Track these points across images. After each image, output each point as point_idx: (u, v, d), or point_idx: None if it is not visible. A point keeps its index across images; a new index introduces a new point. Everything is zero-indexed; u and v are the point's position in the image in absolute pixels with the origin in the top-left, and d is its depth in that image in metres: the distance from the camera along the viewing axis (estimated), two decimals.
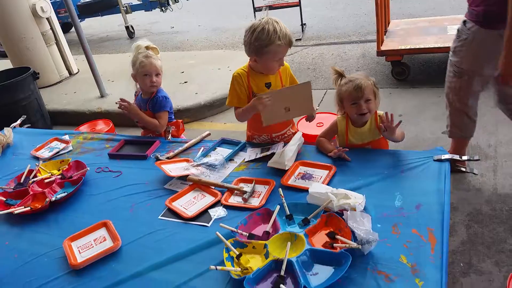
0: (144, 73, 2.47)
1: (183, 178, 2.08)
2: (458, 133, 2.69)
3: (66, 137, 2.73)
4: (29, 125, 3.25)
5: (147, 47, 2.51)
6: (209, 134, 2.51)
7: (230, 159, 2.20)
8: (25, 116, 3.24)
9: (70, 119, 4.77)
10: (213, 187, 1.97)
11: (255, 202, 1.83)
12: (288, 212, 1.66)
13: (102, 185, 2.17)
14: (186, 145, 2.39)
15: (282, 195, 1.70)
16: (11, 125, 3.03)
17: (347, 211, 1.55)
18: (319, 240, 1.53)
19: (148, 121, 2.51)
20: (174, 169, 2.14)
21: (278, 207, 1.66)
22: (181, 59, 5.89)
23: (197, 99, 4.51)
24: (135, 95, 2.71)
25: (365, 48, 5.57)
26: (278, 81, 2.18)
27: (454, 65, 2.49)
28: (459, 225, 2.42)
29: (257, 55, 2.04)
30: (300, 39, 6.28)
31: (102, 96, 4.94)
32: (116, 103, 2.54)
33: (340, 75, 2.07)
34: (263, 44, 1.98)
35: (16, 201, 2.11)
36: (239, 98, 2.18)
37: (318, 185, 1.72)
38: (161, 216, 1.86)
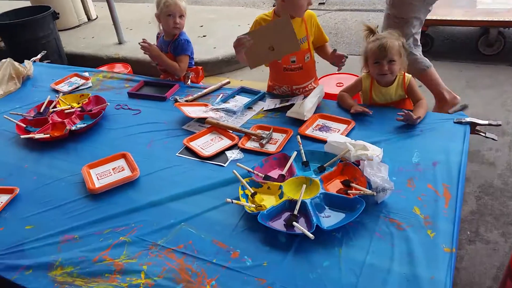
0: (168, 13, 2.44)
1: (201, 121, 2.09)
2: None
3: (86, 74, 2.74)
4: (49, 60, 3.26)
5: None
6: (228, 82, 2.50)
7: (248, 107, 2.20)
8: (45, 51, 3.24)
9: (87, 62, 4.75)
10: (230, 131, 1.98)
11: (271, 148, 1.84)
12: (304, 159, 1.67)
13: (121, 121, 2.20)
14: (205, 90, 2.39)
15: (300, 142, 1.71)
16: (31, 59, 3.04)
17: (364, 161, 1.56)
18: (334, 187, 1.56)
19: (168, 63, 2.51)
20: (193, 111, 2.15)
21: (295, 153, 1.67)
22: (200, 13, 5.79)
23: (215, 53, 4.47)
24: (157, 37, 2.69)
25: None
26: (302, 29, 2.14)
27: (394, 16, 2.53)
28: (469, 195, 2.44)
29: None
30: (323, 3, 6.13)
31: (120, 43, 4.91)
32: (139, 43, 2.53)
33: (371, 31, 2.03)
34: None
35: (36, 129, 2.15)
36: None
37: (337, 135, 1.73)
38: (178, 153, 1.89)
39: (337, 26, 5.34)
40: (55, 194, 1.71)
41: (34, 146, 2.04)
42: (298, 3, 2.00)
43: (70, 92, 2.54)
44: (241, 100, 2.29)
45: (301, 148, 1.69)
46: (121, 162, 1.83)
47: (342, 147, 1.64)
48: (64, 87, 2.62)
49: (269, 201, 1.52)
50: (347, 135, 1.84)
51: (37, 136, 1.98)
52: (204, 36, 4.94)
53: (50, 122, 2.15)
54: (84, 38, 5.27)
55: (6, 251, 1.44)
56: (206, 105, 2.23)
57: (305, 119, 1.96)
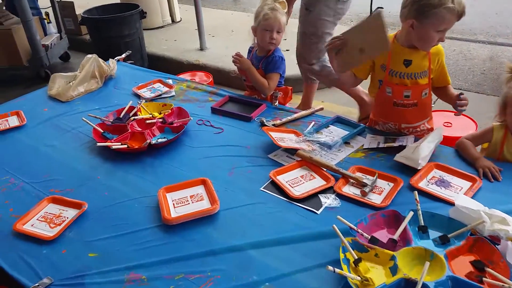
0: (266, 27, 2.24)
1: (289, 151, 1.85)
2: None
3: (170, 81, 2.61)
4: (132, 61, 3.19)
5: (276, 1, 2.26)
6: (322, 109, 2.24)
7: (345, 142, 1.92)
8: (130, 51, 3.18)
9: (167, 65, 4.73)
10: (324, 169, 1.71)
11: (376, 199, 1.55)
12: (422, 223, 1.36)
13: (202, 139, 2.01)
14: (295, 115, 2.14)
15: (418, 200, 1.41)
16: (116, 58, 2.97)
17: (504, 240, 1.23)
18: (462, 267, 1.23)
19: (258, 80, 2.30)
20: (282, 139, 1.91)
21: (411, 213, 1.37)
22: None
23: (298, 69, 4.24)
24: (249, 50, 2.50)
25: (493, 51, 4.91)
26: (425, 63, 1.83)
27: (311, 34, 2.81)
28: None
29: (417, 18, 1.68)
30: None
31: (201, 49, 4.83)
32: (233, 56, 2.35)
33: None
34: (431, 4, 1.63)
35: (113, 136, 2.02)
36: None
37: (467, 199, 1.40)
38: (263, 188, 1.65)
39: None
40: (126, 217, 1.53)
41: (109, 155, 1.90)
42: (429, 35, 1.70)
43: (152, 99, 2.41)
44: (336, 131, 2.01)
45: (419, 208, 1.39)
46: (200, 190, 1.63)
47: (473, 216, 1.31)
48: (146, 92, 2.50)
49: (377, 274, 1.23)
50: (472, 197, 1.50)
51: (114, 146, 1.84)
52: (287, 50, 4.72)
53: (129, 131, 2.01)
54: (167, 40, 5.28)
55: (65, 281, 1.28)
56: (296, 133, 1.99)
57: (419, 168, 1.65)
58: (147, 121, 2.04)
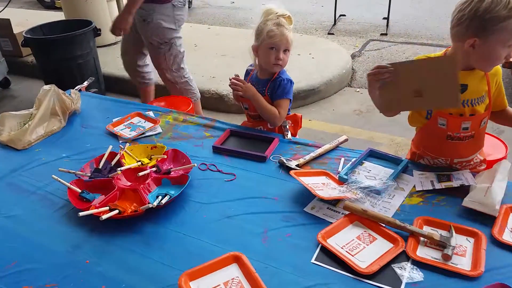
0: (271, 45, 1.88)
1: (329, 201, 1.49)
2: None
3: (151, 114, 2.16)
4: (96, 89, 2.70)
5: (280, 15, 1.90)
6: (347, 140, 1.91)
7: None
8: (93, 78, 2.69)
9: (128, 88, 4.22)
10: (383, 225, 1.37)
11: (462, 263, 1.23)
12: None
13: (212, 190, 1.60)
14: (319, 150, 1.79)
15: None
16: (76, 87, 2.48)
17: None
18: None
19: (266, 108, 1.92)
20: (316, 185, 1.54)
21: None
22: (249, 38, 5.25)
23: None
24: (247, 72, 2.12)
25: None
26: (483, 86, 1.55)
27: (158, 43, 2.95)
28: None
29: (480, 35, 1.38)
30: (386, 34, 5.60)
31: None
32: (230, 79, 1.96)
33: None
34: (497, 18, 1.34)
35: (95, 195, 1.56)
36: None
37: None
38: (314, 259, 1.28)
39: None
40: None
41: (96, 225, 1.44)
42: (496, 53, 1.41)
43: (134, 139, 1.96)
44: (375, 169, 1.69)
45: None
46: (236, 272, 1.23)
47: None
48: (125, 131, 2.03)
49: None
50: None
51: (105, 216, 1.38)
52: None
53: (116, 188, 1.55)
54: None
55: None
56: (328, 175, 1.64)
57: (496, 214, 1.35)
58: (139, 174, 1.59)
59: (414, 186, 1.57)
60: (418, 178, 1.60)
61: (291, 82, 1.97)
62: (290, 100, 1.98)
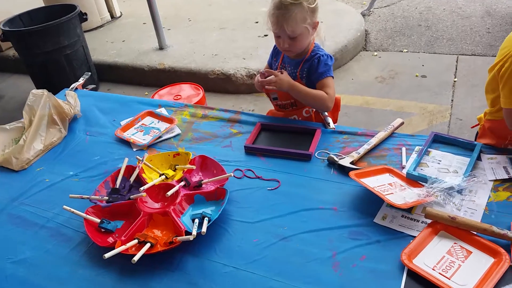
0: (274, 32, 1.61)
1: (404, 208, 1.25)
2: None
3: (163, 112, 1.90)
4: (93, 86, 2.42)
5: None
6: (402, 123, 1.65)
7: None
8: (89, 73, 2.39)
9: (122, 75, 3.93)
10: (476, 234, 1.13)
11: None
12: None
13: (256, 205, 1.37)
14: (373, 140, 1.54)
15: None
16: (72, 86, 2.20)
17: None
18: None
19: (311, 95, 1.65)
20: (383, 187, 1.30)
21: None
22: (245, 7, 4.90)
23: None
24: (276, 51, 1.83)
25: (486, 4, 4.54)
26: None
27: None
28: None
29: None
30: None
31: (161, 47, 4.05)
32: (258, 81, 1.68)
33: None
34: None
35: (117, 223, 1.32)
36: None
37: None
38: None
39: (424, 17, 4.49)
40: None
41: (125, 265, 1.20)
42: None
43: (150, 145, 1.70)
44: (445, 158, 1.44)
45: None
46: None
47: None
48: (138, 135, 1.78)
49: None
50: None
51: (136, 257, 1.14)
52: (265, 36, 4.06)
53: (142, 213, 1.31)
54: (113, 43, 4.42)
55: None
56: (391, 171, 1.39)
57: None
58: (168, 194, 1.33)
59: (496, 179, 1.32)
60: (488, 164, 1.36)
61: (330, 57, 1.70)
62: (333, 77, 1.71)
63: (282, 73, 1.66)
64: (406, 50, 3.88)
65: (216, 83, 3.56)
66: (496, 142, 1.51)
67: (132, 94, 3.72)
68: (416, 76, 3.48)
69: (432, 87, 3.31)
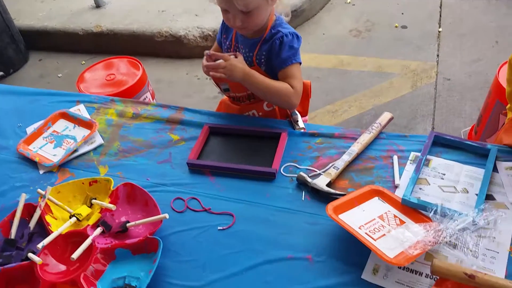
0: (220, 6, 1.19)
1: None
2: None
3: (80, 110, 1.48)
4: (1, 73, 1.93)
5: None
6: (391, 119, 1.30)
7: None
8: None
9: (55, 42, 3.38)
10: None
11: None
12: None
13: (199, 254, 1.03)
14: (355, 148, 1.19)
15: None
16: None
17: None
18: None
19: (273, 89, 1.26)
20: (372, 227, 0.98)
21: None
22: None
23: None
24: (225, 27, 1.40)
25: None
26: None
27: None
28: None
29: None
30: None
31: (97, 5, 3.47)
32: (203, 64, 1.26)
33: None
34: None
35: None
36: None
37: None
38: None
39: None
40: None
41: None
42: None
43: (61, 164, 1.30)
44: (448, 171, 1.11)
45: None
46: None
47: None
48: (47, 149, 1.37)
49: None
50: None
51: None
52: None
53: (41, 282, 0.95)
54: (42, 2, 3.79)
55: None
56: (380, 194, 1.05)
57: None
58: (73, 256, 0.96)
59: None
60: (507, 178, 1.04)
61: (297, 36, 1.29)
62: (300, 63, 1.31)
63: (236, 57, 1.26)
64: None
65: (165, 47, 3.09)
66: None
67: (67, 63, 3.24)
68: (396, 27, 3.09)
69: (414, 40, 2.95)
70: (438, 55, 2.78)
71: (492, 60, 2.63)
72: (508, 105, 1.24)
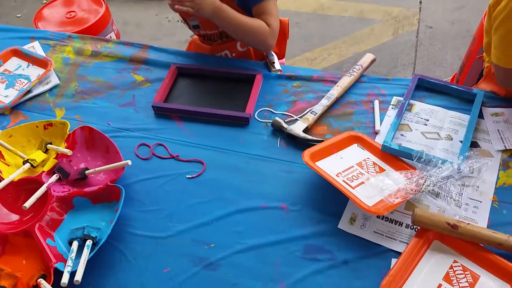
0: None
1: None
2: None
3: (36, 46, 1.34)
4: None
5: None
6: (373, 61, 1.22)
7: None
8: None
9: None
10: (490, 249, 0.81)
11: None
12: None
13: (165, 203, 0.96)
14: (334, 91, 1.11)
15: None
16: None
17: None
18: None
19: (249, 28, 1.15)
20: (351, 174, 0.92)
21: None
22: None
23: None
24: None
25: None
26: None
27: None
28: None
29: None
30: None
31: None
32: None
33: None
34: None
35: None
36: None
37: None
38: None
39: None
40: None
41: None
42: None
43: (14, 106, 1.19)
44: (432, 116, 1.05)
45: None
46: None
47: None
48: None
49: None
50: None
51: None
52: None
53: None
54: None
55: None
56: (360, 141, 1.00)
57: None
58: (26, 205, 0.87)
59: (502, 144, 0.97)
60: (493, 125, 1.00)
61: None
62: None
63: None
64: None
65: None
66: (507, 92, 1.10)
67: (27, 2, 2.99)
68: None
69: None
70: (420, 2, 2.68)
71: (475, 8, 2.56)
72: (486, 57, 1.17)
